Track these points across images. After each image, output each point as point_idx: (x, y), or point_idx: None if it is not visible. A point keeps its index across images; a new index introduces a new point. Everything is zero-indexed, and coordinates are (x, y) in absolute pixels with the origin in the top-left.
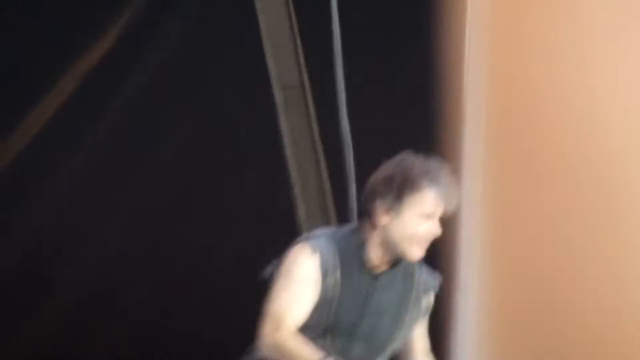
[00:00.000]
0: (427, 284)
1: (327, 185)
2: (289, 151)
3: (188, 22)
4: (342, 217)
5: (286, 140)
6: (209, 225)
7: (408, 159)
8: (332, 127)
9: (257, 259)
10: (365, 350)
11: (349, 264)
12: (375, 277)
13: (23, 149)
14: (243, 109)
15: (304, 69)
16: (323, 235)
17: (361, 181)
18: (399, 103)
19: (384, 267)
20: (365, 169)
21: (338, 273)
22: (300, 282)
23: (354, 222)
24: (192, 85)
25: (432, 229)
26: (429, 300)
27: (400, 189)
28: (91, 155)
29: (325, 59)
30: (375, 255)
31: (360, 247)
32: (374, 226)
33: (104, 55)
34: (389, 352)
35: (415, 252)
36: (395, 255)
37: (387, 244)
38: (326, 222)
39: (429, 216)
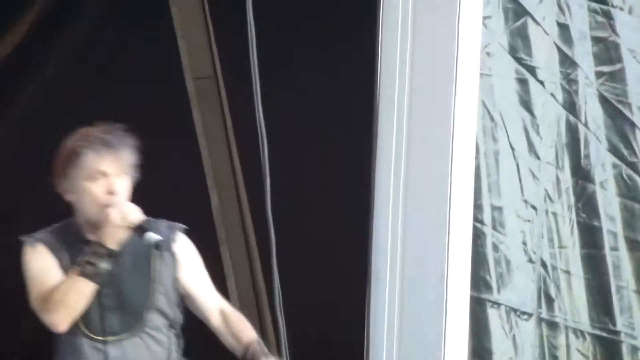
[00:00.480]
0: (168, 237)
1: (240, 174)
2: (201, 141)
3: (101, 14)
4: (255, 206)
5: (198, 130)
6: None
7: (72, 135)
8: (245, 118)
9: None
10: (122, 318)
11: (73, 245)
12: (111, 253)
13: None
14: (157, 99)
15: (217, 61)
16: (40, 232)
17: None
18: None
19: (118, 240)
20: (279, 158)
21: (67, 255)
22: (38, 268)
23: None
24: (105, 78)
25: (109, 187)
26: (178, 250)
27: (64, 161)
28: None
29: (239, 49)
30: (89, 229)
31: (77, 228)
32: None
33: (14, 48)
34: (152, 316)
35: (105, 217)
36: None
37: (82, 215)
38: (239, 210)
39: (97, 176)
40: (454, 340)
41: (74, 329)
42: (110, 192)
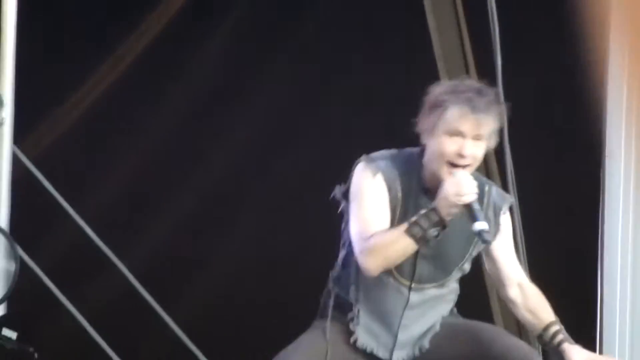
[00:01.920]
0: (497, 205)
1: None
2: None
3: None
4: None
5: None
6: None
7: (444, 83)
8: None
9: None
10: (432, 270)
11: (409, 184)
12: (442, 223)
13: None
14: None
15: None
16: (382, 157)
17: None
18: None
19: (451, 213)
20: None
21: (400, 193)
22: (368, 198)
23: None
24: None
25: (461, 148)
26: (503, 220)
27: (431, 106)
28: None
29: None
30: (429, 177)
31: (419, 169)
32: (423, 149)
33: None
34: (455, 273)
35: (442, 174)
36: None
37: (431, 166)
38: None
39: (456, 134)
40: None
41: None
42: (460, 155)
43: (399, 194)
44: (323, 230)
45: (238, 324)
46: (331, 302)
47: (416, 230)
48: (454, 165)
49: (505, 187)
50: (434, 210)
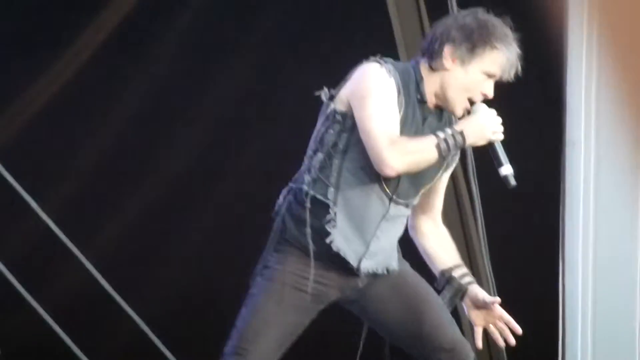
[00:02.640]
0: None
1: None
2: None
3: None
4: None
5: None
6: None
7: (488, 17)
8: None
9: None
10: (409, 186)
11: (408, 93)
12: (425, 115)
13: None
14: None
15: None
16: (390, 62)
17: None
18: None
19: (431, 108)
20: None
21: (402, 98)
22: (387, 97)
23: (413, 59)
24: None
25: (487, 89)
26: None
27: (478, 42)
28: None
29: None
30: (429, 94)
31: (418, 82)
32: (435, 68)
33: None
34: (420, 194)
35: (460, 105)
36: (442, 102)
37: (442, 89)
38: None
39: (490, 76)
40: None
41: (376, 176)
42: (485, 95)
43: (403, 100)
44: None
45: (200, 316)
46: (307, 205)
47: (443, 147)
48: (470, 100)
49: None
50: (461, 134)
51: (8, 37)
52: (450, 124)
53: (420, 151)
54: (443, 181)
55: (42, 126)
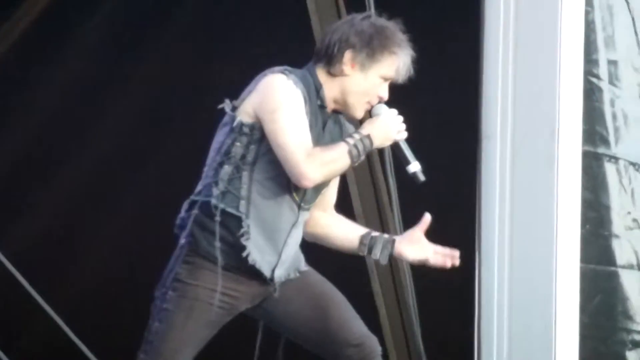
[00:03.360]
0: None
1: None
2: None
3: None
4: None
5: None
6: None
7: (384, 22)
8: None
9: None
10: (312, 191)
11: (311, 100)
12: (325, 119)
13: None
14: None
15: None
16: (292, 72)
17: None
18: None
19: (329, 113)
20: None
21: (308, 107)
22: (297, 109)
23: (308, 65)
24: None
25: (383, 92)
26: None
27: (377, 48)
28: None
29: None
30: (329, 99)
31: (318, 88)
32: (334, 73)
33: None
34: (319, 196)
35: (360, 109)
36: (341, 107)
37: (342, 94)
38: None
39: (386, 79)
40: (566, 194)
41: (286, 185)
42: (380, 98)
43: (308, 109)
44: None
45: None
46: (217, 219)
47: (355, 153)
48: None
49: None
50: (369, 138)
51: None
52: (341, 126)
53: (335, 160)
54: (336, 178)
55: None
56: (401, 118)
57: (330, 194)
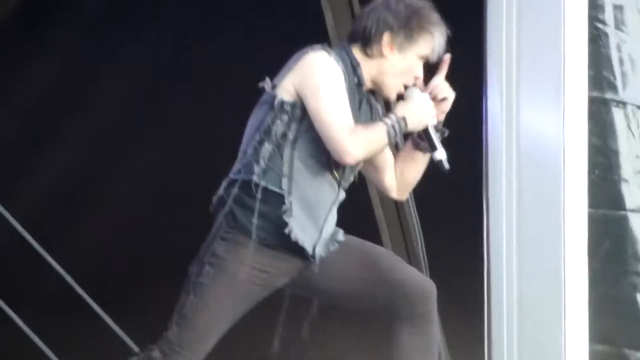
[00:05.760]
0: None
1: None
2: None
3: None
4: None
5: None
6: None
7: (417, 2)
8: None
9: None
10: (349, 168)
11: (349, 78)
12: (360, 98)
13: None
14: None
15: None
16: (332, 49)
17: None
18: None
19: (364, 92)
20: None
21: (347, 85)
22: (339, 87)
23: (342, 44)
24: None
25: (419, 71)
26: None
27: (414, 28)
28: None
29: None
30: (366, 79)
31: (355, 67)
32: (371, 54)
33: None
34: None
35: (395, 90)
36: (377, 87)
37: (380, 75)
38: None
39: (422, 58)
40: (573, 139)
41: (327, 162)
42: (416, 77)
43: (347, 87)
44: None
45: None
46: (259, 196)
47: (392, 133)
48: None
49: None
50: (404, 120)
51: None
52: (372, 106)
53: (376, 140)
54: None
55: None
56: (432, 103)
57: (389, 155)
